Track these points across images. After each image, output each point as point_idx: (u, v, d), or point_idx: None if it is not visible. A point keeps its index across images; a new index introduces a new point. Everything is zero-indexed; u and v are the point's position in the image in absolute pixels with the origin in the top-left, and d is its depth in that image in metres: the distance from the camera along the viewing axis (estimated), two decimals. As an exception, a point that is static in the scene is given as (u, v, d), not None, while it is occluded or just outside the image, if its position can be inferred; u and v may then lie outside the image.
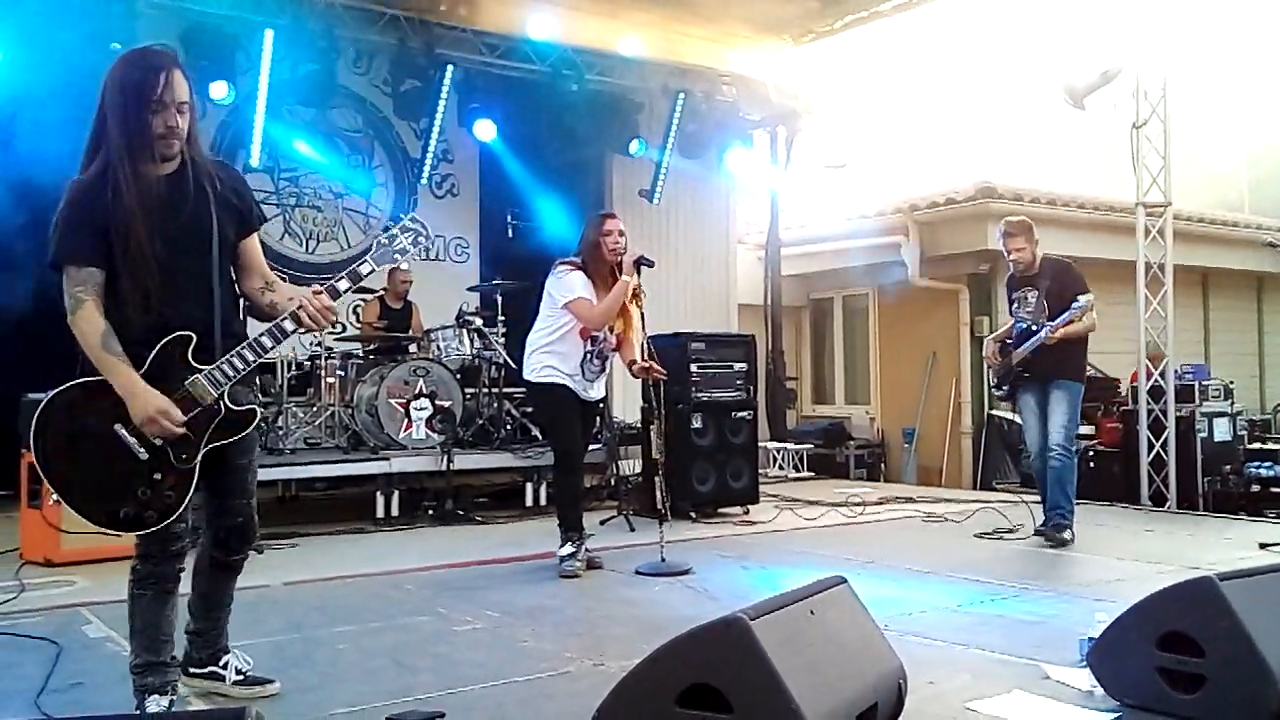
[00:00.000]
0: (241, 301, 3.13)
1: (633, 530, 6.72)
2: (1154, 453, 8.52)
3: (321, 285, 2.99)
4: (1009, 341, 6.44)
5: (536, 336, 5.51)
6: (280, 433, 7.54)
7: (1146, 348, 8.59)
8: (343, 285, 3.02)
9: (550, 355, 5.42)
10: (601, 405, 6.14)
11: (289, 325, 2.93)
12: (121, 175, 2.76)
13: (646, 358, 5.51)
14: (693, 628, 2.58)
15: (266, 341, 2.93)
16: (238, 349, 2.89)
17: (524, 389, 8.28)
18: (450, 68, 8.97)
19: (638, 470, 8.06)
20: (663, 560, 5.39)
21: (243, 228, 3.04)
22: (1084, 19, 9.83)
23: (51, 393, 2.81)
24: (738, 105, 10.58)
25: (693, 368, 7.48)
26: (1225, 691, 2.89)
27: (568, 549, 5.45)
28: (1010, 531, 6.60)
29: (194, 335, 2.85)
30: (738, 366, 7.75)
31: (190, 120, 2.87)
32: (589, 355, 5.43)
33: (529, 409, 8.56)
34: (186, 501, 2.87)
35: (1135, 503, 8.44)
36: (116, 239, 2.76)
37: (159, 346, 2.81)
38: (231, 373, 2.89)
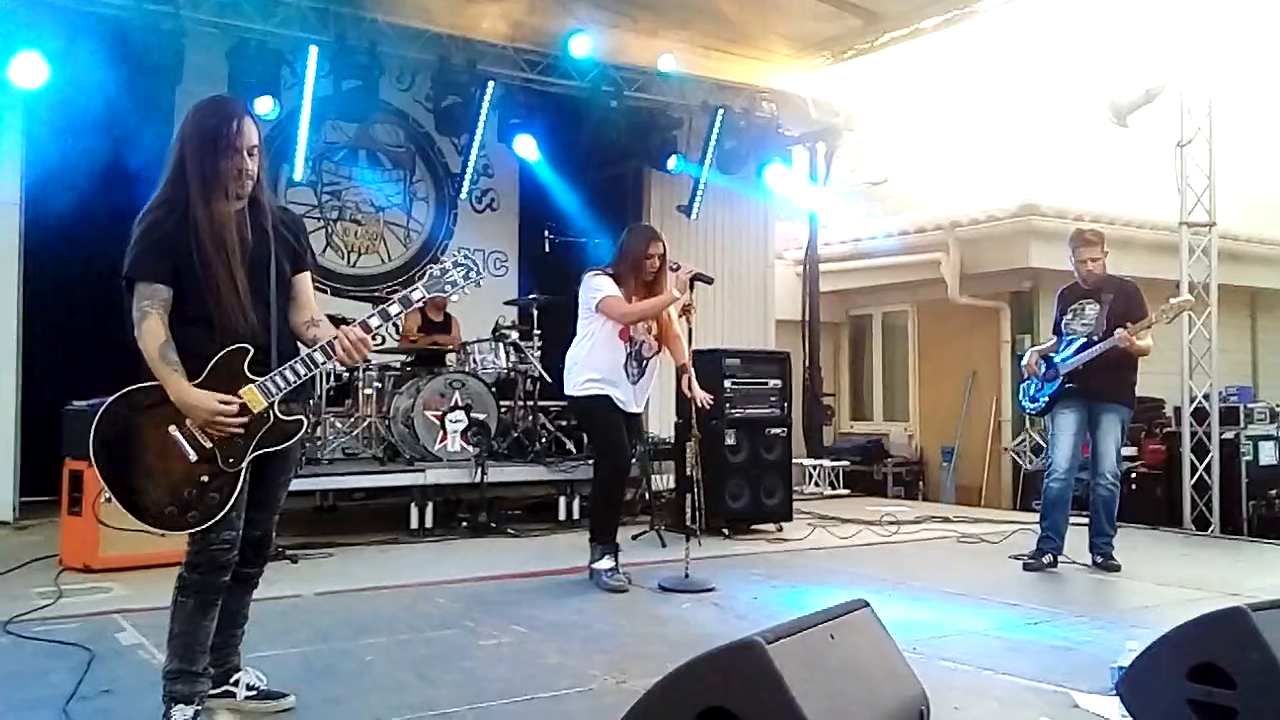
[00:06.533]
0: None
1: (664, 546, 6.70)
2: (1197, 476, 8.38)
3: (362, 319, 3.19)
4: (1054, 356, 6.27)
5: (576, 351, 5.54)
6: (318, 443, 7.61)
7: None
8: (374, 322, 3.18)
9: (591, 368, 5.45)
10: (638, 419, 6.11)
11: (319, 356, 3.12)
12: (199, 212, 2.97)
13: (689, 384, 5.53)
14: (709, 650, 2.57)
15: (319, 357, 3.11)
16: (290, 363, 3.07)
17: (565, 403, 8.41)
18: (491, 84, 9.06)
19: (671, 485, 8.05)
20: (686, 576, 5.38)
21: (297, 265, 3.26)
22: (1128, 37, 9.71)
23: (116, 395, 3.00)
24: (777, 121, 10.56)
25: (727, 384, 7.47)
26: (1257, 725, 2.83)
27: (606, 562, 5.45)
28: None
29: (251, 350, 3.02)
30: (772, 383, 7.72)
31: (259, 163, 3.08)
32: (629, 357, 5.45)
33: (564, 422, 8.60)
34: (229, 505, 2.99)
35: (1177, 526, 8.30)
36: (188, 267, 2.97)
37: (218, 356, 2.99)
38: (283, 384, 3.05)
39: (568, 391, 5.59)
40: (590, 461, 7.84)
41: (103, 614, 4.66)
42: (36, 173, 7.85)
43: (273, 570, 5.55)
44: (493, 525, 7.43)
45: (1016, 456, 11.82)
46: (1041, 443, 11.22)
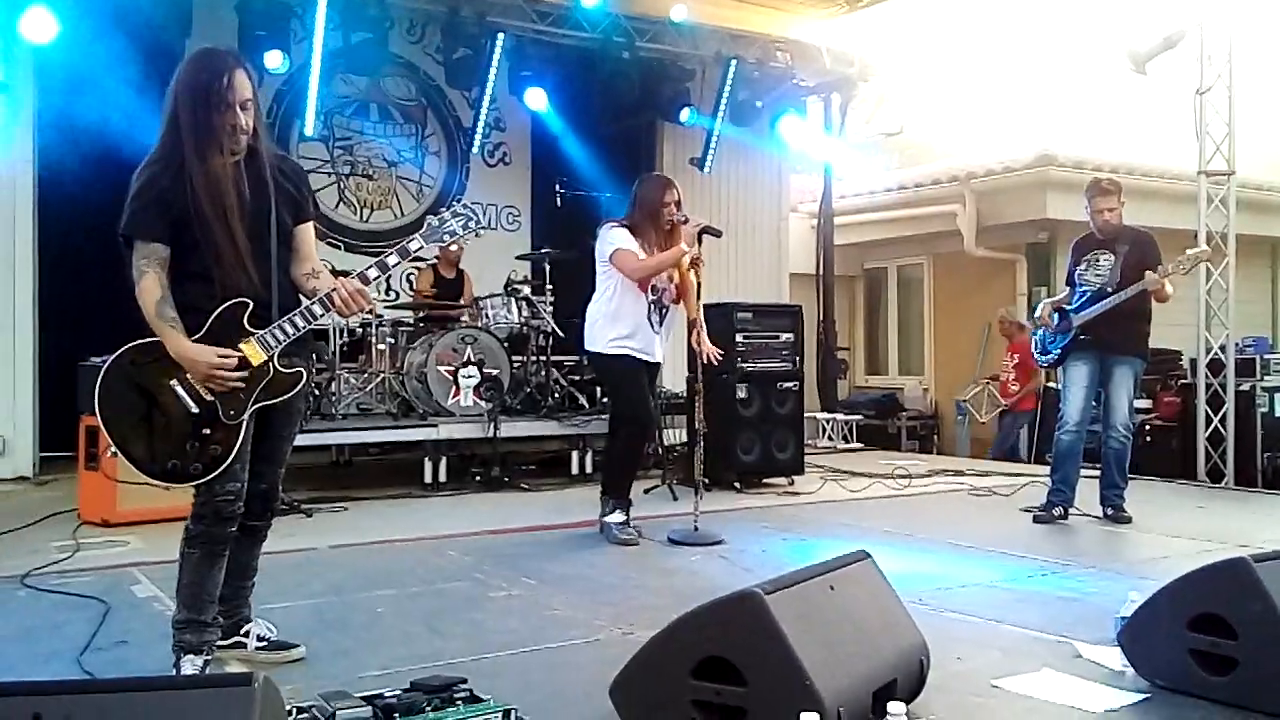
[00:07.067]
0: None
1: (676, 499, 6.74)
2: (1212, 428, 8.33)
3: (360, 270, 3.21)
4: (1068, 307, 6.21)
5: (596, 306, 5.52)
6: (333, 398, 7.67)
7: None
8: (372, 273, 3.20)
9: (612, 324, 5.43)
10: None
11: (317, 309, 3.12)
12: (194, 169, 2.97)
13: (699, 338, 5.51)
14: (709, 600, 2.60)
15: (317, 310, 3.12)
16: (289, 315, 3.09)
17: (577, 358, 8.42)
18: (501, 36, 8.97)
19: (683, 439, 8.08)
20: (695, 529, 5.41)
21: (298, 216, 3.25)
22: (1149, -18, 9.53)
23: (119, 351, 3.03)
24: (791, 72, 10.44)
25: (739, 338, 7.46)
26: (1257, 675, 2.83)
27: (618, 516, 5.47)
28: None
29: (250, 303, 3.04)
30: (784, 337, 7.71)
31: (255, 114, 3.07)
32: (650, 307, 5.44)
33: (576, 377, 8.63)
34: (232, 458, 3.02)
35: (1192, 479, 8.28)
36: (185, 223, 2.98)
37: (218, 311, 3.01)
38: (282, 336, 3.07)
39: (589, 348, 5.56)
40: (604, 417, 7.90)
41: (119, 567, 4.73)
42: (48, 127, 7.86)
43: (287, 523, 5.69)
44: (505, 480, 7.48)
45: (973, 410, 11.77)
46: (995, 394, 11.23)
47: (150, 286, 2.97)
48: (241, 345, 3.02)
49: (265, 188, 3.10)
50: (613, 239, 5.39)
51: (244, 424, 3.04)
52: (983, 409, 11.69)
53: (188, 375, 2.98)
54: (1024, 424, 10.98)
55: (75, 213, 7.98)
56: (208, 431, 3.00)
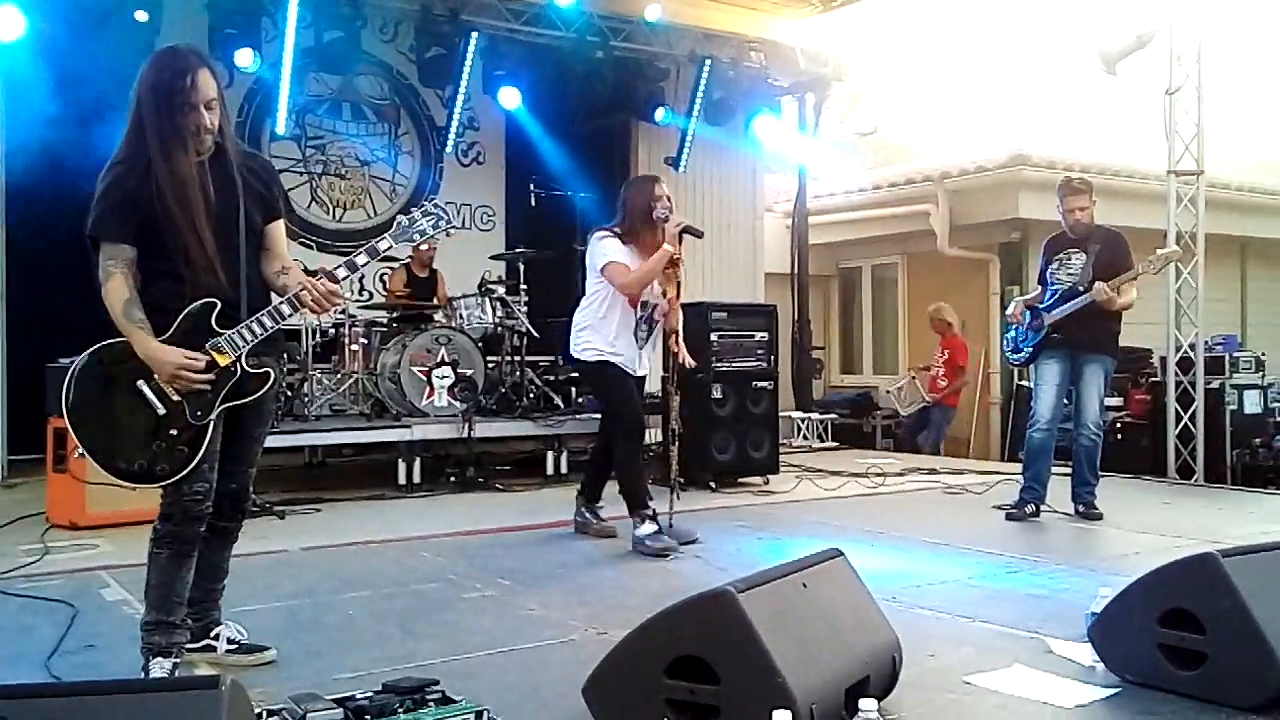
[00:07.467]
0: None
1: (651, 499, 6.71)
2: (1182, 425, 8.41)
3: (328, 269, 3.18)
4: (1040, 305, 6.26)
5: (583, 314, 5.45)
6: (305, 399, 7.62)
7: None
8: (341, 273, 3.17)
9: (597, 333, 5.36)
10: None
11: (286, 309, 3.11)
12: (160, 170, 2.94)
13: (678, 343, 5.48)
14: (682, 599, 2.60)
15: (285, 309, 3.11)
16: (256, 315, 3.07)
17: (552, 358, 8.41)
18: (475, 34, 8.96)
19: (658, 439, 8.08)
20: (671, 528, 5.39)
21: (268, 214, 3.23)
22: (1119, -18, 9.61)
23: (87, 351, 3.02)
24: (766, 72, 10.48)
25: (713, 337, 7.46)
26: (1225, 669, 2.86)
27: (648, 527, 5.25)
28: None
29: (219, 303, 3.02)
30: (759, 336, 7.72)
31: (220, 113, 3.04)
32: (639, 321, 5.40)
33: (551, 377, 8.61)
34: (199, 458, 3.00)
35: (1162, 475, 8.35)
36: (153, 223, 2.96)
37: (185, 311, 2.99)
38: (250, 336, 3.05)
39: (573, 354, 5.52)
40: (579, 417, 7.91)
41: (87, 570, 4.69)
42: (15, 126, 7.76)
43: (260, 525, 5.66)
44: (480, 480, 7.46)
45: (896, 403, 11.81)
46: (925, 395, 11.36)
47: (117, 287, 2.95)
48: (208, 346, 3.00)
49: (233, 187, 3.07)
50: (604, 250, 5.30)
51: (211, 424, 3.02)
52: (906, 401, 11.76)
53: (155, 375, 2.96)
54: (952, 417, 11.15)
55: (43, 213, 7.89)
56: (175, 432, 2.98)
